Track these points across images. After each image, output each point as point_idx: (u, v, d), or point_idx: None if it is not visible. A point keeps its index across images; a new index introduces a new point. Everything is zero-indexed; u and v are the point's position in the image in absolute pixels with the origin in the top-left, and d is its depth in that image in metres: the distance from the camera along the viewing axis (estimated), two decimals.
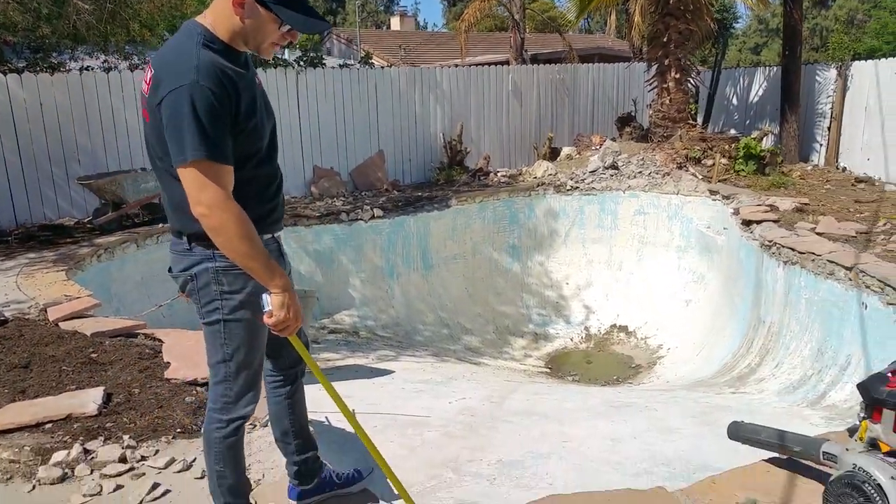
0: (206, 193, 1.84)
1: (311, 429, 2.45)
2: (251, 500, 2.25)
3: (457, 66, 11.89)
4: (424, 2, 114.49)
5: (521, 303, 9.41)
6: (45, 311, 4.58)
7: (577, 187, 9.89)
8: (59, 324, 4.33)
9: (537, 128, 11.86)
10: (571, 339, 8.92)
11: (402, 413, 4.51)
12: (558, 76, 12.02)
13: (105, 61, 10.75)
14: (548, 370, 8.02)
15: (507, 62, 13.61)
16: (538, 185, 10.04)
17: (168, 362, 3.64)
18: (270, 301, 1.96)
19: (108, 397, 3.19)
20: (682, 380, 6.79)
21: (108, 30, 9.00)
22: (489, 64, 12.51)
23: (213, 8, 1.96)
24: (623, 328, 8.86)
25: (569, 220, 9.87)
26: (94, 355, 3.78)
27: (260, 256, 1.92)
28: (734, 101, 12.82)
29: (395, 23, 26.20)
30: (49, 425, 2.90)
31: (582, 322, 9.15)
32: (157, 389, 3.31)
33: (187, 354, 3.70)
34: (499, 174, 10.84)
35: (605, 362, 8.24)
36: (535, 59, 14.61)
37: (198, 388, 3.32)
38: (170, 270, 2.14)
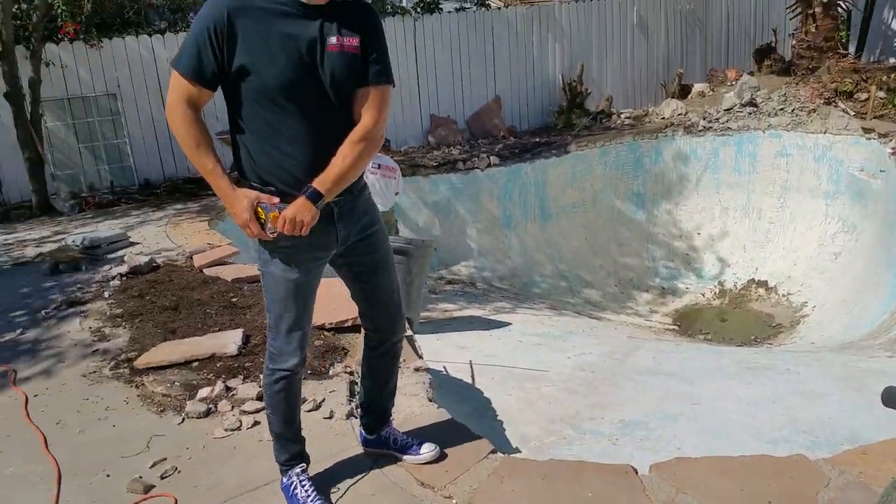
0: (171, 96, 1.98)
1: (389, 400, 2.44)
2: (300, 447, 2.26)
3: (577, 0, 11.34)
4: None
5: (647, 254, 9.04)
6: (191, 258, 4.91)
7: (711, 127, 9.27)
8: (204, 270, 4.63)
9: (665, 64, 11.16)
10: (703, 295, 8.49)
11: (519, 366, 4.48)
12: (688, 6, 11.17)
13: None
14: (676, 327, 7.71)
15: None
16: (666, 127, 9.50)
17: None
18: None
19: (246, 338, 3.38)
20: (830, 341, 6.28)
21: None
22: None
23: None
24: (762, 283, 8.31)
25: (701, 164, 9.30)
26: (234, 299, 4.02)
27: (210, 175, 1.96)
28: (894, 24, 11.41)
29: None
30: (196, 363, 3.11)
31: (715, 276, 8.67)
32: None
33: (318, 301, 3.84)
34: (622, 116, 10.34)
35: (741, 320, 7.79)
36: None
37: (325, 332, 3.44)
38: None
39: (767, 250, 8.59)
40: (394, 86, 2.07)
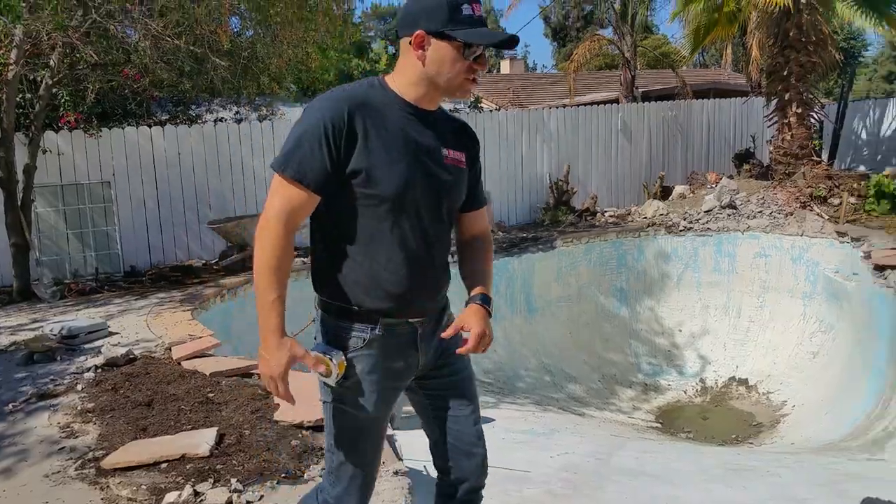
0: (273, 204, 1.77)
1: None
2: None
3: (565, 106, 11.87)
4: (534, 44, 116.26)
5: (630, 350, 9.07)
6: (170, 350, 4.89)
7: (691, 228, 9.51)
8: (182, 363, 4.61)
9: (648, 166, 11.57)
10: (685, 392, 8.47)
11: (501, 466, 4.43)
12: (670, 113, 11.71)
13: (237, 112, 11.58)
14: (659, 425, 7.65)
15: (616, 100, 13.44)
16: (648, 226, 9.75)
17: (277, 404, 3.77)
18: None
19: (220, 438, 3.34)
20: (809, 441, 6.26)
21: (240, 84, 9.70)
22: (599, 102, 12.39)
23: (395, 69, 1.87)
24: (743, 381, 8.33)
25: (681, 262, 9.49)
26: (210, 395, 3.99)
27: (267, 307, 1.73)
28: (863, 135, 11.98)
29: (506, 66, 26.63)
30: (165, 464, 3.06)
31: (697, 373, 8.69)
32: (265, 431, 3.43)
33: (296, 396, 3.82)
34: (606, 214, 10.63)
35: (722, 419, 7.75)
36: (647, 97, 14.34)
37: (303, 432, 3.41)
38: None
39: (747, 349, 8.65)
40: None
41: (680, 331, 9.23)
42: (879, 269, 6.63)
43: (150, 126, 8.63)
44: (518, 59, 29.26)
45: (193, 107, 11.25)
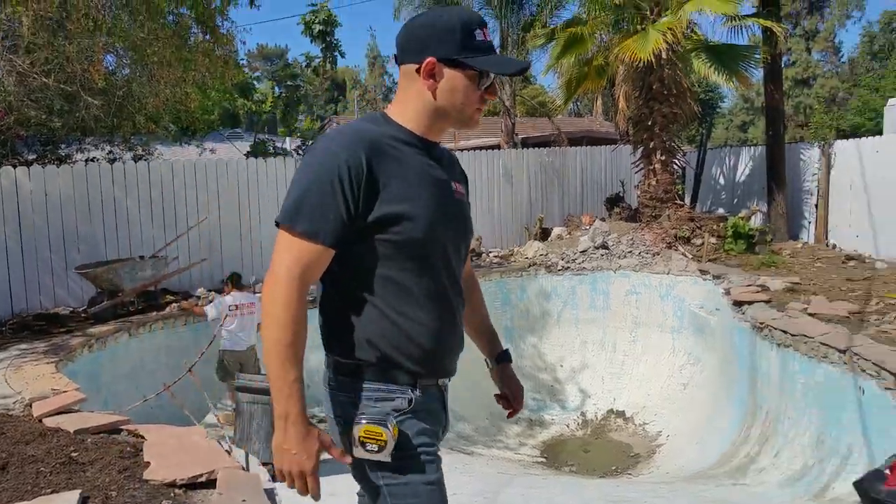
0: (283, 260, 1.59)
1: None
2: None
3: (451, 150, 12.24)
4: None
5: None
6: (30, 406, 4.54)
7: (569, 267, 9.97)
8: (44, 420, 4.29)
9: (528, 209, 12.07)
10: (568, 426, 8.76)
11: None
12: (547, 159, 12.33)
13: (110, 152, 11.07)
14: (543, 459, 7.85)
15: (498, 146, 14.00)
16: (530, 266, 10.13)
17: (148, 462, 3.59)
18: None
19: (83, 501, 3.13)
20: (682, 470, 6.63)
21: (114, 123, 9.33)
22: (482, 148, 12.85)
23: (396, 99, 1.70)
24: (620, 413, 8.72)
25: (561, 300, 9.91)
26: (74, 454, 3.73)
27: (291, 387, 1.51)
28: (721, 180, 13.09)
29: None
30: None
31: (578, 407, 9.02)
32: (134, 492, 3.25)
33: (167, 453, 3.66)
34: (491, 255, 10.96)
35: (603, 451, 8.06)
36: (526, 143, 15.03)
37: (176, 490, 3.26)
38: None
39: (623, 382, 9.09)
40: None
41: (561, 366, 9.58)
42: (738, 304, 7.14)
43: (14, 166, 8.10)
44: None
45: (63, 146, 10.68)
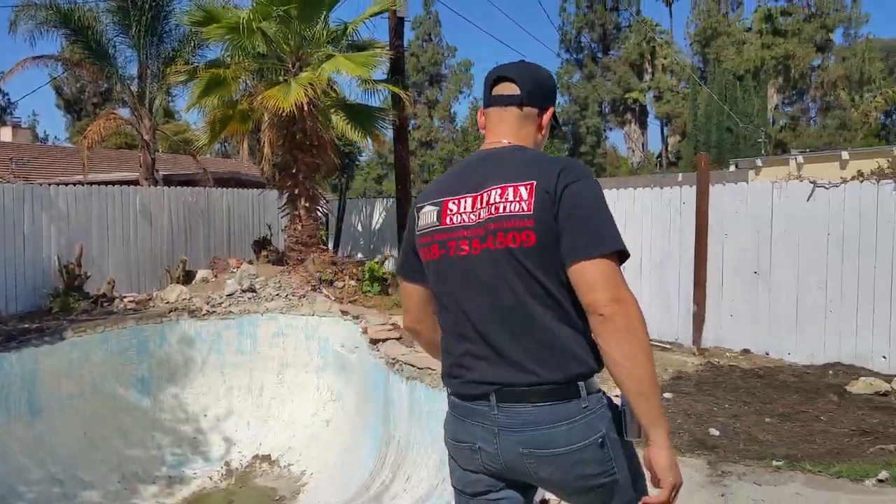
0: (624, 286, 1.68)
1: None
2: None
3: (80, 183, 10.99)
4: (45, 112, 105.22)
5: (153, 443, 8.61)
6: None
7: (214, 311, 9.70)
8: None
9: (170, 250, 11.45)
10: (211, 478, 8.41)
11: None
12: (191, 199, 11.90)
13: None
14: None
15: (137, 182, 13.04)
16: (171, 311, 9.58)
17: None
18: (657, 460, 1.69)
19: None
20: None
21: None
22: (119, 182, 11.82)
23: (515, 135, 1.92)
24: (266, 457, 8.69)
25: (206, 346, 9.55)
26: None
27: (657, 394, 1.67)
28: (359, 227, 14.19)
29: (7, 133, 23.31)
30: None
31: (222, 457, 8.73)
32: None
33: None
34: (126, 300, 10.05)
35: (247, 499, 7.93)
36: (169, 180, 14.29)
37: None
38: (499, 453, 1.79)
39: (269, 424, 9.10)
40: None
41: (205, 415, 9.19)
42: (374, 342, 7.78)
43: None
44: (24, 128, 25.91)
45: None
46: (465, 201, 1.84)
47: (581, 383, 1.75)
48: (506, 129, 1.93)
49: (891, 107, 36.07)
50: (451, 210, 1.85)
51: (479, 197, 1.81)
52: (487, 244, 1.77)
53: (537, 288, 1.73)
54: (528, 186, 1.74)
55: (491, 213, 1.78)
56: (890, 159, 8.78)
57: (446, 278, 1.86)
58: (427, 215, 1.90)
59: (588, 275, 1.66)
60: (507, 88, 1.93)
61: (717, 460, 4.04)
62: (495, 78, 1.96)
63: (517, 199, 1.74)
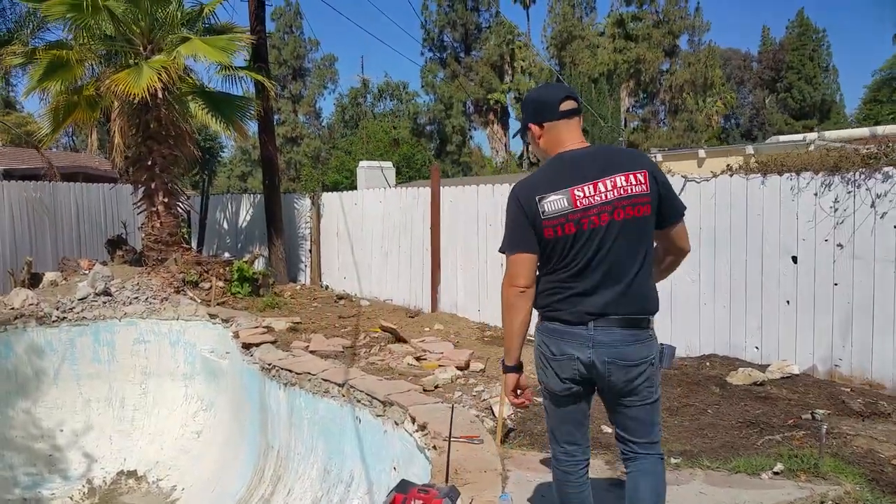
0: None
1: None
2: None
3: None
4: None
5: (2, 463, 7.82)
6: None
7: (65, 317, 8.91)
8: None
9: (13, 251, 10.41)
10: (71, 498, 7.78)
11: None
12: (34, 194, 10.86)
13: None
14: None
15: None
16: (16, 318, 8.69)
17: None
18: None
19: None
20: None
21: None
22: None
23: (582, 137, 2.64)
24: (132, 473, 8.15)
25: (58, 356, 8.75)
26: None
27: None
28: (225, 225, 13.59)
29: None
30: None
31: (83, 474, 8.08)
32: None
33: None
34: None
35: None
36: (10, 174, 12.96)
37: None
38: (601, 363, 2.46)
39: (134, 438, 8.53)
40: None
41: (62, 430, 8.45)
42: (246, 347, 7.42)
43: None
44: None
45: None
46: (588, 188, 2.45)
47: (651, 318, 2.57)
48: (579, 135, 2.61)
49: (729, 111, 39.74)
50: (581, 196, 2.45)
51: (604, 182, 2.45)
52: (614, 216, 2.44)
53: (645, 247, 2.51)
54: (640, 174, 2.48)
55: (620, 194, 2.44)
56: (743, 157, 9.57)
57: (589, 243, 2.45)
58: (555, 203, 2.45)
59: (683, 229, 2.62)
60: (572, 104, 2.61)
61: (614, 459, 3.96)
62: (563, 98, 2.60)
63: (636, 183, 2.46)
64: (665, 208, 2.51)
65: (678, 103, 39.94)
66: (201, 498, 7.29)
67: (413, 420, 4.61)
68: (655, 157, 16.93)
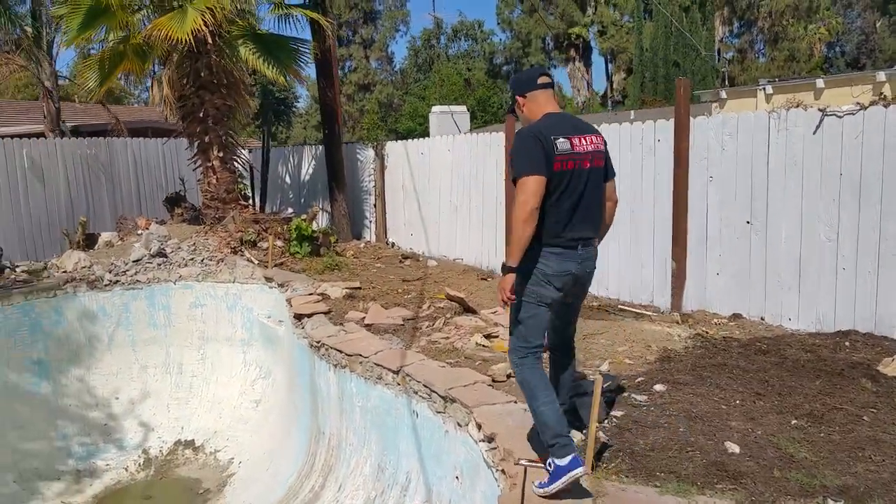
0: None
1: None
2: None
3: None
4: None
5: (56, 433, 7.56)
6: None
7: (118, 281, 8.50)
8: None
9: (68, 211, 10.10)
10: (126, 469, 7.47)
11: None
12: (89, 151, 10.45)
13: None
14: None
15: (43, 134, 11.46)
16: (67, 282, 8.33)
17: None
18: None
19: None
20: None
21: None
22: (21, 136, 10.26)
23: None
24: (189, 443, 7.76)
25: (111, 321, 8.39)
26: None
27: None
28: (288, 179, 12.93)
29: None
30: None
31: (139, 444, 7.76)
32: None
33: None
34: (18, 270, 8.73)
35: (167, 494, 7.04)
36: (78, 132, 12.71)
37: None
38: (583, 273, 3.28)
39: (192, 406, 8.15)
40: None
41: (117, 398, 8.15)
42: (298, 317, 6.71)
43: None
44: None
45: None
46: (578, 139, 3.16)
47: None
48: (555, 102, 3.33)
49: (833, 38, 35.96)
50: (576, 143, 3.14)
51: (584, 138, 3.19)
52: (593, 164, 3.20)
53: (602, 189, 3.31)
54: (599, 137, 3.29)
55: (594, 148, 3.21)
56: (873, 86, 7.91)
57: (578, 181, 3.14)
58: (563, 144, 3.10)
59: (613, 184, 3.42)
60: (546, 79, 3.34)
61: (745, 499, 2.99)
62: (539, 74, 3.33)
63: (599, 142, 3.26)
64: (608, 167, 3.33)
65: (777, 31, 36.44)
66: (256, 478, 6.77)
67: (479, 427, 3.73)
68: (765, 88, 15.00)
